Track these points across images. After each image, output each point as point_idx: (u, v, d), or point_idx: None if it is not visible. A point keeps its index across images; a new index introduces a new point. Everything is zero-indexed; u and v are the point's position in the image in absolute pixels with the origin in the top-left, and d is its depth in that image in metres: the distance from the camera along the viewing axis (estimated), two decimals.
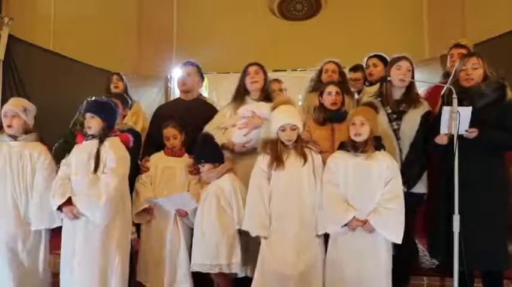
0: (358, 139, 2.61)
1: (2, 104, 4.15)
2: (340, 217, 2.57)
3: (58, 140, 4.57)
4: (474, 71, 2.70)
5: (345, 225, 2.58)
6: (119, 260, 2.73)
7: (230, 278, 2.91)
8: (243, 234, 2.80)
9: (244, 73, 3.20)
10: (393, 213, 2.53)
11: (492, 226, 2.60)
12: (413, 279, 3.16)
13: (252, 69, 3.18)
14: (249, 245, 2.85)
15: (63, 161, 2.87)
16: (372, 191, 2.58)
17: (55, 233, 2.94)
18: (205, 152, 2.93)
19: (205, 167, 2.91)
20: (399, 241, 2.54)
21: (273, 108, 2.81)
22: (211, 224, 2.83)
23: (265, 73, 3.21)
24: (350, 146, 2.64)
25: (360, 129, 2.59)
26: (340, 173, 2.63)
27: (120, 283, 2.73)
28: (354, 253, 2.59)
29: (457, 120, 2.49)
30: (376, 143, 2.65)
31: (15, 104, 2.91)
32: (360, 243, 2.58)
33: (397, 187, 2.59)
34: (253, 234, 2.70)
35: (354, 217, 2.55)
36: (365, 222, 2.54)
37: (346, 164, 2.62)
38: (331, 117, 2.97)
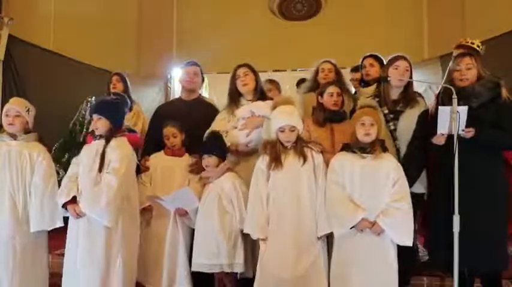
0: (367, 139, 2.59)
1: (2, 104, 4.16)
2: (349, 217, 2.53)
3: (58, 140, 4.59)
4: (468, 71, 2.69)
5: (352, 227, 2.54)
6: (121, 261, 2.71)
7: (235, 278, 2.90)
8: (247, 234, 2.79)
9: (234, 76, 3.17)
10: (402, 214, 2.51)
11: (491, 226, 2.60)
12: (413, 279, 3.16)
13: (240, 71, 3.15)
14: (255, 245, 2.84)
15: (74, 159, 2.89)
16: (379, 193, 2.56)
17: (55, 234, 2.93)
18: (215, 145, 2.92)
19: (211, 159, 2.89)
20: (410, 243, 2.51)
21: (273, 108, 2.80)
22: (213, 224, 2.82)
23: (255, 73, 3.17)
24: (356, 147, 2.62)
25: (369, 130, 2.58)
26: (346, 174, 2.60)
27: (122, 282, 2.72)
28: (361, 255, 2.55)
29: (457, 120, 2.49)
30: (381, 145, 2.64)
31: (18, 103, 2.91)
32: (367, 245, 2.55)
33: (405, 187, 2.57)
34: (253, 237, 2.70)
35: (363, 217, 2.52)
36: (374, 223, 2.52)
37: (352, 164, 2.60)
38: (330, 117, 2.96)
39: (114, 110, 2.82)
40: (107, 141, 2.73)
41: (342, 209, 2.56)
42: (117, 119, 2.81)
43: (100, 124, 2.75)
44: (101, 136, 2.77)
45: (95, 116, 2.77)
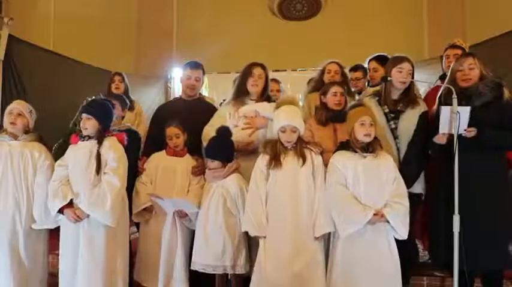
0: (367, 139, 2.61)
1: (2, 104, 4.16)
2: (360, 216, 2.53)
3: (58, 141, 4.58)
4: (471, 71, 2.70)
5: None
6: (121, 260, 2.74)
7: (242, 278, 2.90)
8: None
9: (247, 74, 3.14)
10: (403, 208, 2.56)
11: (492, 225, 2.60)
12: (413, 279, 3.15)
13: (256, 71, 3.12)
14: (253, 244, 2.84)
15: (58, 161, 2.84)
16: (382, 190, 2.59)
17: (56, 234, 2.93)
18: (217, 149, 2.89)
19: (214, 163, 2.88)
20: (405, 237, 2.56)
21: (277, 107, 2.80)
22: (217, 225, 2.82)
23: (267, 76, 3.16)
24: (357, 146, 2.63)
25: (369, 130, 2.60)
26: (349, 174, 2.61)
27: (123, 282, 2.75)
28: (365, 252, 2.56)
29: (457, 120, 2.49)
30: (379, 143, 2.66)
31: (22, 104, 2.96)
32: (369, 241, 2.56)
33: (402, 185, 2.62)
34: (251, 234, 2.70)
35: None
36: (382, 214, 2.52)
37: (354, 164, 2.61)
38: (333, 117, 2.98)
39: (104, 111, 2.81)
40: (99, 142, 2.72)
41: (351, 208, 2.56)
42: (106, 120, 2.80)
43: (89, 124, 2.74)
44: (89, 137, 2.76)
45: (84, 116, 2.76)
